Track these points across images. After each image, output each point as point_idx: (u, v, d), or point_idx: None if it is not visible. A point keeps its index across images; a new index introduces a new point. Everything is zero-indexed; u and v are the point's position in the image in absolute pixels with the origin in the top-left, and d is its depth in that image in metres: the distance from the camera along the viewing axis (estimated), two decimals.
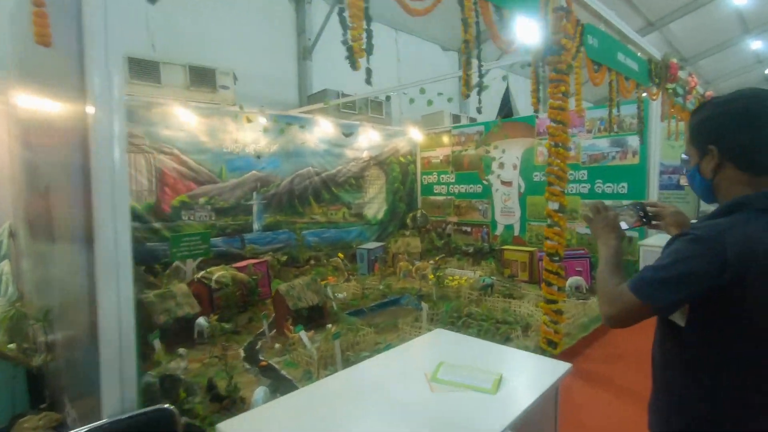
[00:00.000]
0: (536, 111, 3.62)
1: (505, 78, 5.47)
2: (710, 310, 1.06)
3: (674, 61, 5.54)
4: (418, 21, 7.77)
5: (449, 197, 8.38)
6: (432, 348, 1.94)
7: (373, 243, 6.99)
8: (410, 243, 7.11)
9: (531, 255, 6.07)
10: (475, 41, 2.54)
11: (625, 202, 1.56)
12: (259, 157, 6.15)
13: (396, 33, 9.72)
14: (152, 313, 3.78)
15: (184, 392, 2.42)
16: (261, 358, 3.65)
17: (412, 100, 5.76)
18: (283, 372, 3.34)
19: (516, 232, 7.37)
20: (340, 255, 6.78)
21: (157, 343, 3.48)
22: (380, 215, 8.16)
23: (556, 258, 3.60)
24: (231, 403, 2.75)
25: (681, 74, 5.98)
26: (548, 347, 3.59)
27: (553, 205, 3.57)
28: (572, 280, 5.40)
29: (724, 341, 1.07)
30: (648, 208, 1.40)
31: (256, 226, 6.35)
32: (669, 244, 1.11)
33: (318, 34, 7.85)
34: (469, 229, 8.10)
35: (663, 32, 12.62)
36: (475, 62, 2.56)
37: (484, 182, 7.75)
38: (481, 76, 2.67)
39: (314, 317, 4.35)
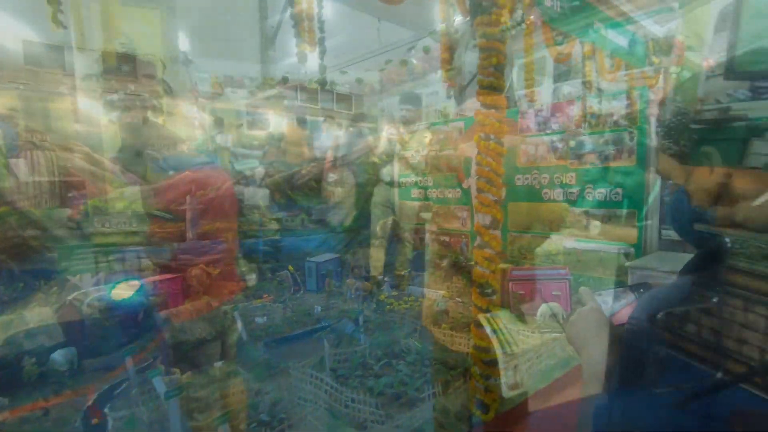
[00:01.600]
0: (452, 87, 2.71)
1: (411, 49, 4.53)
2: None
3: (680, 38, 4.48)
4: (403, 8, 6.96)
5: (427, 203, 7.43)
6: None
7: (326, 255, 6.13)
8: (372, 255, 6.22)
9: (503, 273, 5.06)
10: None
11: None
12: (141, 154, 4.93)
13: (379, 21, 8.86)
14: None
15: None
16: (106, 411, 2.85)
17: (394, 61, 4.83)
18: None
19: None
20: (290, 268, 5.96)
21: None
22: (348, 222, 7.29)
23: (489, 290, 2.68)
24: None
25: (692, 56, 4.89)
26: (478, 411, 2.67)
27: (484, 219, 2.65)
28: (546, 307, 4.36)
29: None
30: None
31: (189, 234, 5.59)
32: None
33: (280, 21, 7.09)
34: (447, 239, 7.13)
35: None
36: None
37: (464, 186, 6.79)
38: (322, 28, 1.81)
39: (208, 353, 3.54)
